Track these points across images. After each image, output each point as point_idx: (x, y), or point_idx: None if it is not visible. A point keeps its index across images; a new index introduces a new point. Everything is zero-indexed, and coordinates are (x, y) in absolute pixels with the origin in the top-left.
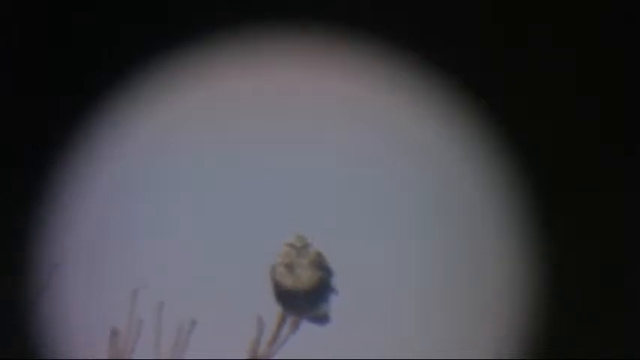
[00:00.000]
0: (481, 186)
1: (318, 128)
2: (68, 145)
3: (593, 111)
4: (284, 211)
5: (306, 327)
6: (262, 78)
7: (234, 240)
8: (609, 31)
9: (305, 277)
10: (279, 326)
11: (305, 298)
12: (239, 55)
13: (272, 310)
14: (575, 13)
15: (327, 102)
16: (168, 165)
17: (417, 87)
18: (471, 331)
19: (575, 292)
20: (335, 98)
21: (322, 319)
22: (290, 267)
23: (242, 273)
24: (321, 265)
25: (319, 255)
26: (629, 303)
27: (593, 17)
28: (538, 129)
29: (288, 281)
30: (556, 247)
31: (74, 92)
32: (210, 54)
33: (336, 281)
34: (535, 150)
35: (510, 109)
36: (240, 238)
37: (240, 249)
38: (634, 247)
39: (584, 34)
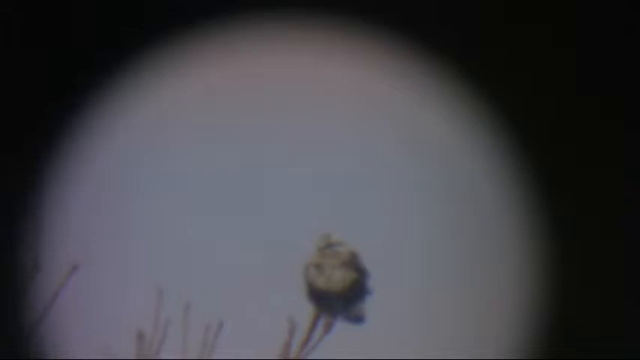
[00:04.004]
0: (489, 183)
1: (329, 124)
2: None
3: (594, 111)
4: (313, 209)
5: (340, 329)
6: (268, 71)
7: (265, 239)
8: (609, 31)
9: (337, 277)
10: (312, 328)
11: (338, 299)
12: (245, 48)
13: (304, 311)
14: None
15: (336, 97)
16: (183, 164)
17: (427, 83)
18: (477, 331)
19: (578, 294)
20: (345, 93)
21: (356, 319)
22: (320, 267)
23: (273, 272)
24: (354, 266)
25: (353, 255)
26: (631, 303)
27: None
28: (546, 129)
29: (320, 282)
30: (561, 246)
31: (70, 90)
32: (214, 46)
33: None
34: (542, 149)
35: (518, 108)
36: (271, 237)
37: (271, 248)
38: (636, 249)
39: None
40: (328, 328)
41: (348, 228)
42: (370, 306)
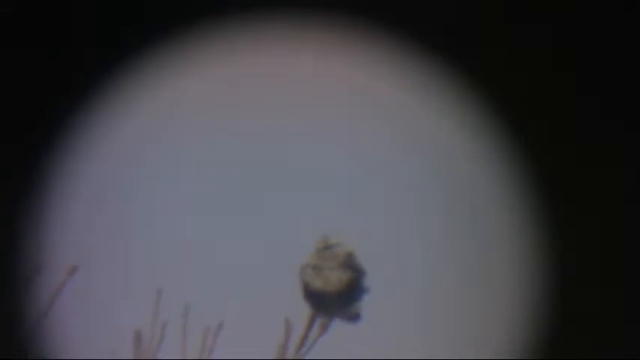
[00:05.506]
0: (488, 183)
1: (332, 123)
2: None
3: (594, 111)
4: (309, 210)
5: (337, 329)
6: (267, 71)
7: (262, 240)
8: (609, 31)
9: (334, 278)
10: (308, 328)
11: (335, 300)
12: (245, 48)
13: (301, 311)
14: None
15: (336, 97)
16: (182, 163)
17: (427, 83)
18: (476, 331)
19: (578, 293)
20: (344, 93)
21: (352, 317)
22: (317, 268)
23: (270, 273)
24: (351, 266)
25: (350, 255)
26: (631, 303)
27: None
28: (546, 129)
29: (317, 282)
30: (561, 246)
31: (70, 90)
32: (214, 46)
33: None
34: (542, 150)
35: (518, 108)
36: (268, 238)
37: (268, 249)
38: (636, 249)
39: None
40: (325, 329)
41: (346, 228)
42: (366, 304)
